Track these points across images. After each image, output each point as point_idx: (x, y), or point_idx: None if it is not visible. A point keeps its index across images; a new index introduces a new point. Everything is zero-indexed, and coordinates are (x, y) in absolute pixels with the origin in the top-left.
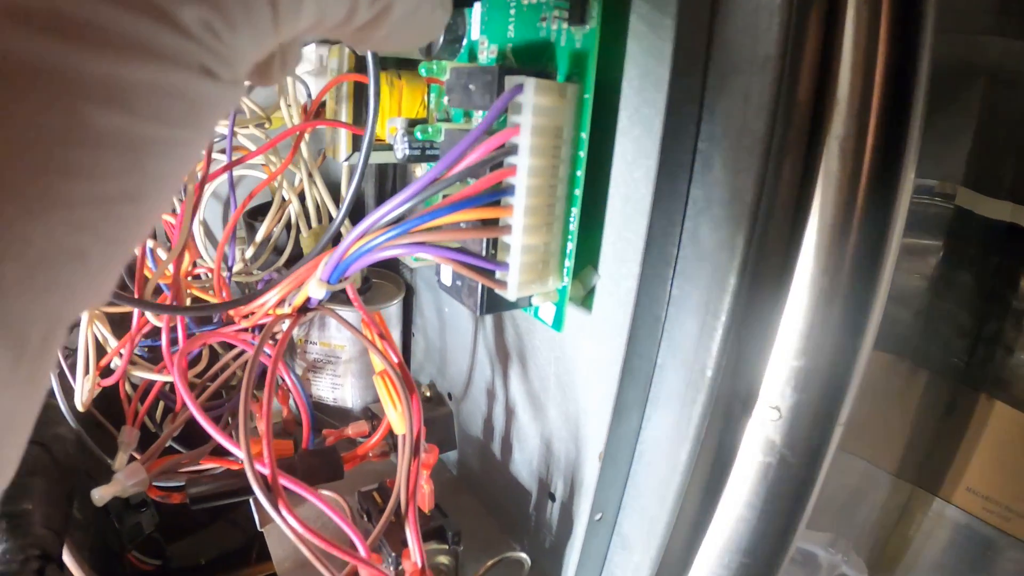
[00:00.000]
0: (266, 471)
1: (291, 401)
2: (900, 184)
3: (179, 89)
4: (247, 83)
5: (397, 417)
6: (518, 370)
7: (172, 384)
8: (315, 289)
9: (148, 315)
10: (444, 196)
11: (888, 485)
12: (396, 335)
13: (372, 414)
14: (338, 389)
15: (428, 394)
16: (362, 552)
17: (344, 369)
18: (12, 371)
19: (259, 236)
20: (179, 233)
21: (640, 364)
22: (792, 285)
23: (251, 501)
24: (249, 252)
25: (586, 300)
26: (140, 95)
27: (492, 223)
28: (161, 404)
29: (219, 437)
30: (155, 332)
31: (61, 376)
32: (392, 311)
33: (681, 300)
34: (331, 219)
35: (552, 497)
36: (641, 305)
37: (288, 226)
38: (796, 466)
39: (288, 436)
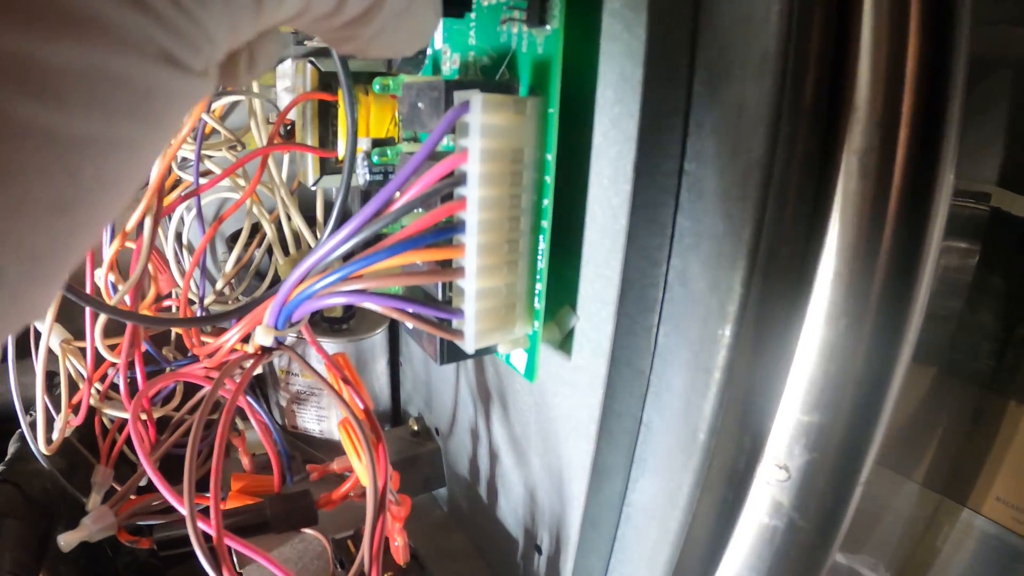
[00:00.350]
0: (211, 531)
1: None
2: (934, 206)
3: (129, 77)
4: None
5: (360, 469)
6: (499, 413)
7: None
8: (262, 336)
9: (103, 352)
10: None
11: (914, 495)
12: (382, 365)
13: None
14: (324, 421)
15: (416, 428)
16: None
17: (329, 401)
18: None
19: (230, 264)
20: (137, 261)
21: (621, 424)
22: (803, 332)
23: None
24: (220, 283)
25: (565, 344)
26: (74, 82)
27: (446, 264)
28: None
29: (164, 491)
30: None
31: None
32: (377, 340)
33: (668, 351)
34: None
35: (539, 549)
36: (619, 357)
37: (270, 250)
38: (807, 531)
39: (271, 471)
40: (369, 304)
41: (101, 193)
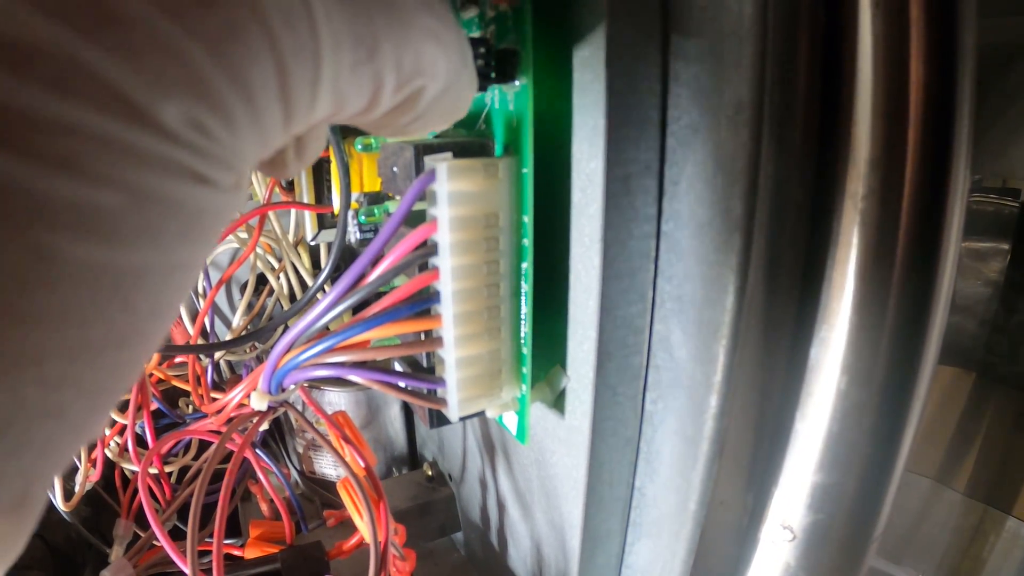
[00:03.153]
0: None
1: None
2: (944, 250)
3: (167, 204)
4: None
5: (362, 527)
6: (504, 466)
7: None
8: (256, 401)
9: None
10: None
11: (958, 505)
12: (395, 411)
13: None
14: (340, 467)
15: (430, 473)
16: None
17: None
18: None
19: (237, 318)
20: None
21: (612, 491)
22: (801, 395)
23: None
24: (229, 335)
25: (558, 403)
26: (119, 217)
27: (427, 334)
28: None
29: (170, 552)
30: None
31: None
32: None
33: (656, 418)
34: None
35: None
36: (603, 427)
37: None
38: None
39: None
40: (353, 376)
41: (155, 322)
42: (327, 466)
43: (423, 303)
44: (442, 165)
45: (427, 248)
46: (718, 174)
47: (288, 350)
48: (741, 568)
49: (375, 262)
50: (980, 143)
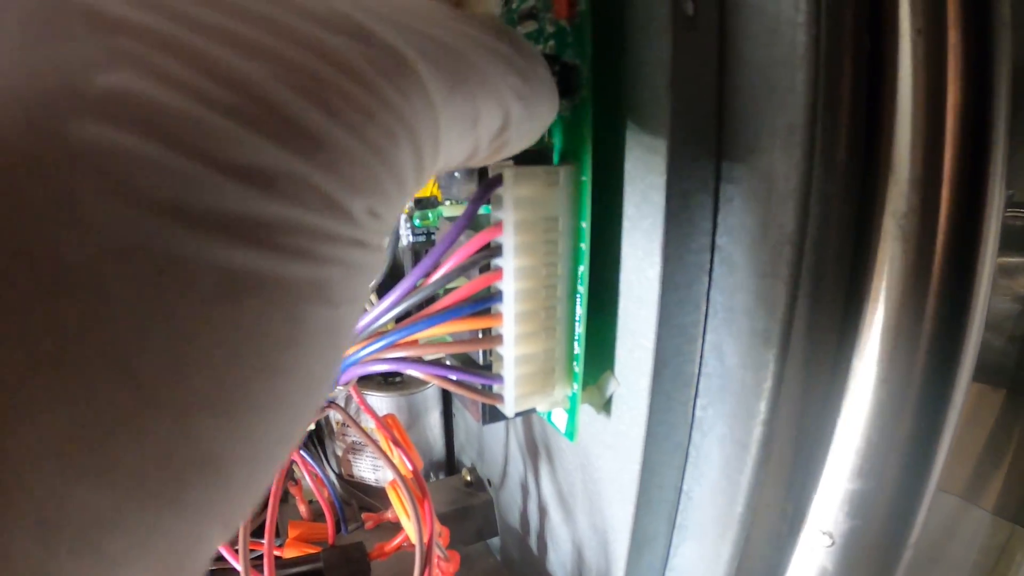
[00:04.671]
0: None
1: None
2: (979, 267)
3: (359, 270)
4: None
5: (409, 527)
6: (547, 469)
7: None
8: None
9: None
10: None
11: (986, 524)
12: (435, 416)
13: None
14: (379, 470)
15: (469, 478)
16: None
17: None
18: None
19: None
20: None
21: (662, 493)
22: (843, 402)
23: None
24: None
25: (607, 407)
26: (336, 286)
27: (486, 332)
28: None
29: (221, 549)
30: None
31: None
32: (430, 393)
33: (706, 424)
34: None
35: None
36: (657, 431)
37: None
38: None
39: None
40: (412, 371)
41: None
42: (366, 469)
43: (483, 303)
44: (509, 171)
45: (490, 250)
46: (771, 192)
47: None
48: (780, 572)
49: (438, 263)
50: (1014, 159)
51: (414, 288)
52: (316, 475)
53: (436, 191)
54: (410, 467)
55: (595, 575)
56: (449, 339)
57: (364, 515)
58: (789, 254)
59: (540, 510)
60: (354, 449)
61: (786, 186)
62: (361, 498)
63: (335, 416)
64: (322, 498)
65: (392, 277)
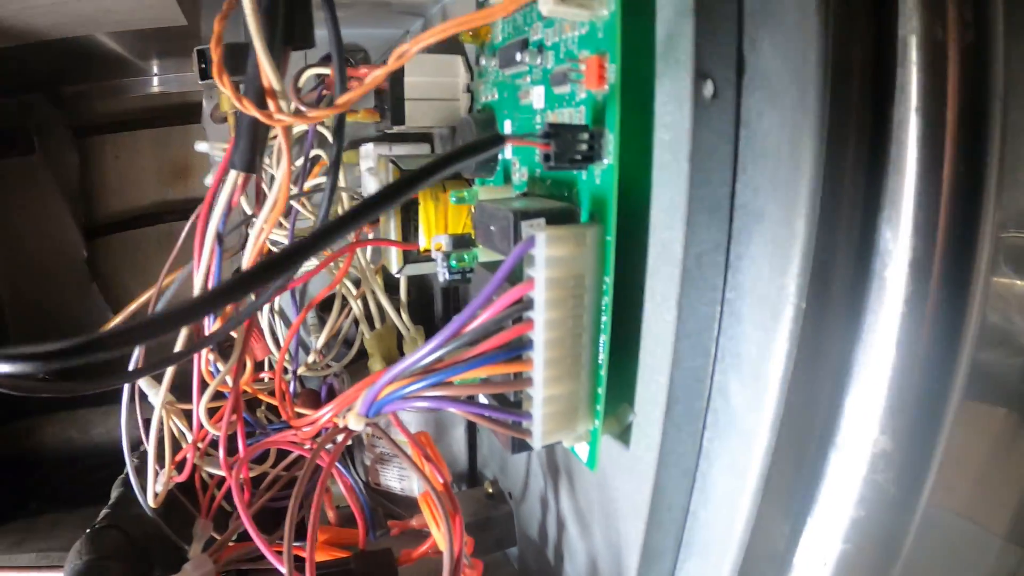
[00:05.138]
0: None
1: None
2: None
3: None
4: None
5: (439, 537)
6: (566, 487)
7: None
8: (354, 423)
9: (205, 424)
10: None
11: (995, 549)
12: (460, 431)
13: None
14: (405, 480)
15: (491, 491)
16: None
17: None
18: None
19: (323, 337)
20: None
21: (670, 514)
22: (835, 440)
23: None
24: (312, 356)
25: (624, 435)
26: None
27: (517, 376)
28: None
29: (267, 552)
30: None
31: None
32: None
33: (712, 454)
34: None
35: None
36: (667, 460)
37: (357, 321)
38: None
39: (354, 524)
40: (450, 409)
41: None
42: (392, 479)
43: (516, 350)
44: (541, 234)
45: (522, 303)
46: (775, 255)
47: (391, 382)
48: None
49: (475, 315)
50: None
51: (456, 335)
52: (349, 485)
53: (469, 227)
54: (441, 480)
55: None
56: (481, 380)
57: (390, 522)
58: (790, 313)
59: (558, 524)
60: (382, 459)
61: (789, 251)
62: (387, 506)
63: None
64: (355, 505)
65: (421, 307)
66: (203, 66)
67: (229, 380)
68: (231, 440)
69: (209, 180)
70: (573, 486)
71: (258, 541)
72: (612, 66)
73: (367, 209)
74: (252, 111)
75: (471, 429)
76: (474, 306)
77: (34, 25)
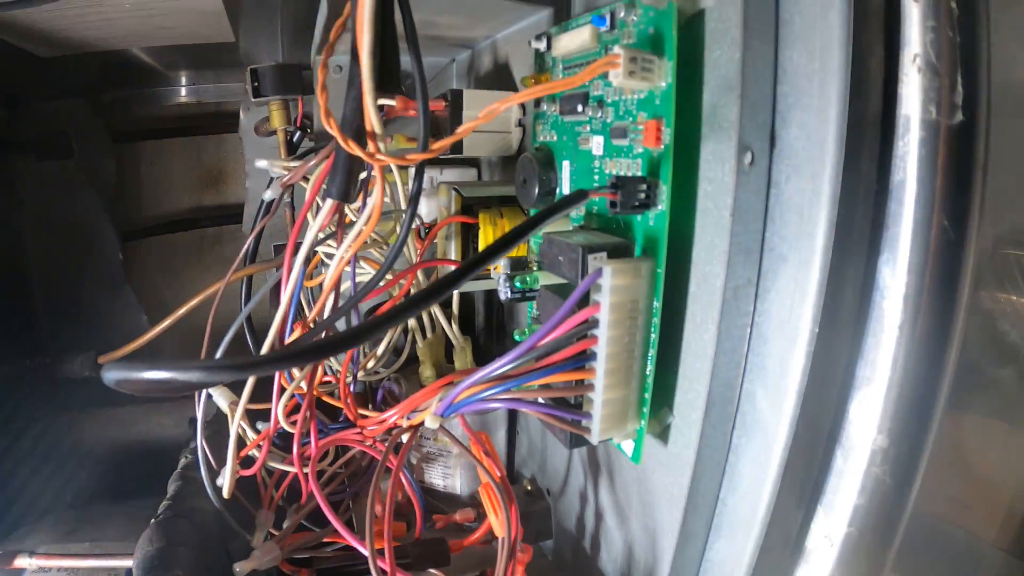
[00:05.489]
0: (386, 568)
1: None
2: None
3: None
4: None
5: (497, 523)
6: (607, 483)
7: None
8: (430, 421)
9: (282, 422)
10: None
11: (997, 562)
12: (501, 433)
13: (478, 501)
14: (448, 478)
15: (529, 488)
16: None
17: (455, 462)
18: None
19: (383, 345)
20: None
21: (703, 500)
22: (841, 439)
23: None
24: (372, 363)
25: (663, 435)
26: None
27: (579, 382)
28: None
29: (348, 537)
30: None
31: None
32: (500, 412)
33: (740, 450)
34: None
35: None
36: (703, 453)
37: (405, 331)
38: None
39: (402, 518)
40: (521, 408)
41: None
42: (436, 477)
43: (580, 361)
44: (608, 268)
45: (589, 323)
46: (796, 290)
47: (468, 388)
48: (790, 566)
49: (551, 331)
50: None
51: (532, 348)
52: (409, 483)
53: (523, 250)
54: (499, 474)
55: (643, 568)
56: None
57: (435, 516)
58: (805, 338)
59: (596, 516)
60: (428, 458)
61: (807, 288)
62: (430, 502)
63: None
64: (414, 497)
65: (461, 318)
66: (255, 84)
67: (304, 385)
68: (289, 438)
69: (250, 184)
70: (613, 481)
71: (342, 530)
72: (667, 130)
73: (498, 249)
74: (357, 151)
75: (510, 432)
76: (548, 327)
77: (86, 38)
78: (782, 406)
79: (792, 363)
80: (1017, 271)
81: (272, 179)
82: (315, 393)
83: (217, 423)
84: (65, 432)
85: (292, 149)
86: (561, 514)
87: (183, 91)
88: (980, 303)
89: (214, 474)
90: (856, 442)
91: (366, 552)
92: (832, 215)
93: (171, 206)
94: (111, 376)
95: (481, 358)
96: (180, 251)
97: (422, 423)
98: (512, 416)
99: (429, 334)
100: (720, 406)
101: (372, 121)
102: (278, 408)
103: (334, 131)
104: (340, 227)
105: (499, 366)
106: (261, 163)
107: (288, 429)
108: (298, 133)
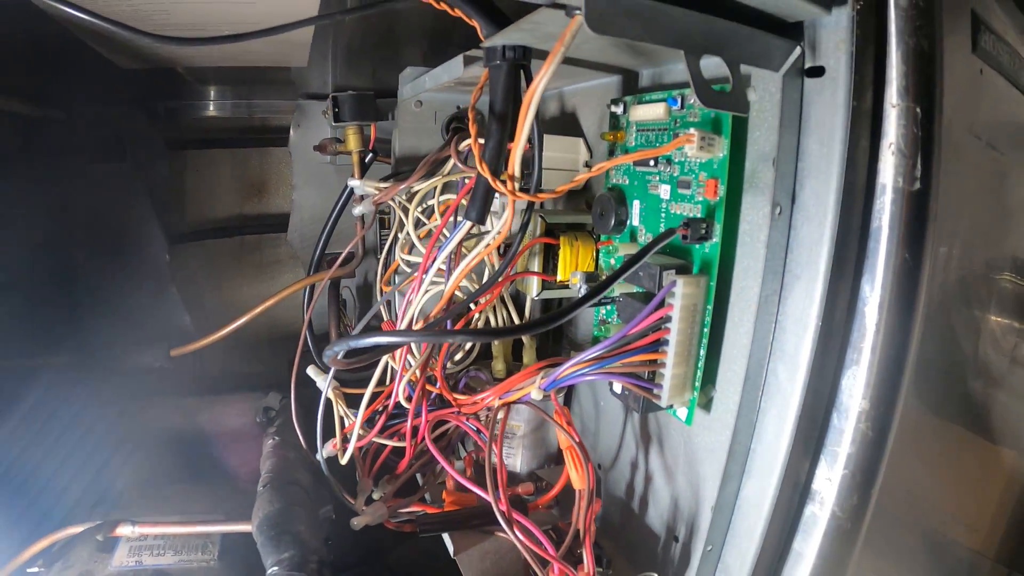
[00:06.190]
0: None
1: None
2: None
3: None
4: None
5: (577, 477)
6: (656, 448)
7: (391, 448)
8: (536, 394)
9: (403, 401)
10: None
11: (985, 570)
12: None
13: (538, 477)
14: (511, 457)
15: None
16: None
17: (518, 443)
18: None
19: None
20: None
21: (739, 449)
22: (833, 417)
23: (445, 536)
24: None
25: (707, 405)
26: None
27: (653, 362)
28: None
29: (475, 489)
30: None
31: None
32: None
33: (765, 411)
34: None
35: (676, 539)
36: (741, 413)
37: None
38: (842, 519)
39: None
40: (611, 379)
41: None
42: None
43: (655, 346)
44: (680, 280)
45: (664, 319)
46: (806, 299)
47: (574, 366)
48: (801, 503)
49: (636, 326)
50: None
51: (622, 338)
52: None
53: (591, 266)
54: (577, 439)
55: (687, 515)
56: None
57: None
58: (812, 332)
59: (645, 479)
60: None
61: (813, 297)
62: None
63: (482, 415)
64: (501, 467)
65: None
66: (336, 110)
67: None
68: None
69: (296, 196)
70: (662, 446)
71: (470, 486)
72: (722, 187)
73: (624, 269)
74: (502, 189)
75: None
76: (630, 326)
77: (174, 55)
78: (796, 379)
79: (803, 348)
80: (984, 294)
81: (362, 197)
82: (434, 373)
83: (286, 411)
84: (135, 417)
85: (363, 169)
86: (611, 484)
87: (230, 105)
88: (943, 315)
89: (312, 450)
90: (847, 406)
91: (489, 498)
92: (831, 250)
93: (214, 213)
94: (337, 347)
95: (541, 355)
96: (221, 256)
97: (515, 401)
98: (567, 403)
99: None
100: (753, 379)
101: (515, 169)
102: (400, 387)
103: (487, 174)
104: (460, 243)
105: (595, 351)
106: (353, 182)
107: (406, 405)
108: (370, 155)
